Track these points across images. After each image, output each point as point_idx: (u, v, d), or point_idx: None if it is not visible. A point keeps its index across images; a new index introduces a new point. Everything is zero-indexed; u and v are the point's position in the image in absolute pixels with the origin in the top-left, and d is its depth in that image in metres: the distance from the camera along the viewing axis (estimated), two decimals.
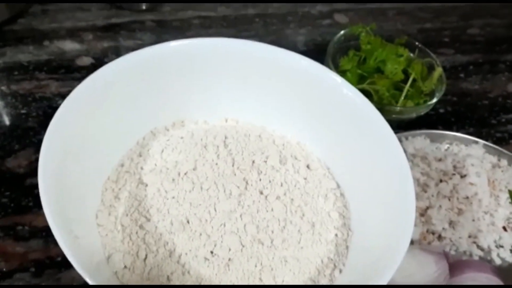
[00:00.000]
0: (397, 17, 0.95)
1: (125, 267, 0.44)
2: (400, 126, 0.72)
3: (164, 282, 0.43)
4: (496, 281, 0.54)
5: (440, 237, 0.61)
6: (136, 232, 0.46)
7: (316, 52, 0.81)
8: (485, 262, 0.59)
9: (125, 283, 0.43)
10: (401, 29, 0.92)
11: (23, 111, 0.66)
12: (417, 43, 0.75)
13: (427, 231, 0.61)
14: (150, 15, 0.83)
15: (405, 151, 0.66)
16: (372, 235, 0.46)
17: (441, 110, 0.79)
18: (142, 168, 0.50)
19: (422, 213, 0.62)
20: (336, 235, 0.49)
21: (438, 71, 0.71)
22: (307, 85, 0.54)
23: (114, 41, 0.77)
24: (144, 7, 0.84)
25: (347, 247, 0.49)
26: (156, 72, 0.52)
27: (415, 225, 0.60)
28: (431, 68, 0.73)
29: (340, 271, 0.47)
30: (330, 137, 0.55)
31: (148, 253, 0.45)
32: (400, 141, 0.68)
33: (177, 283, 0.43)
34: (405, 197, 0.44)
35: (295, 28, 0.87)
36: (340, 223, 0.50)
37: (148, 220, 0.46)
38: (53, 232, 0.36)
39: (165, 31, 0.81)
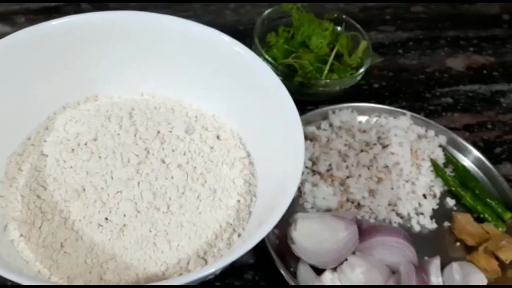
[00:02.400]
0: None
1: (21, 235, 0.45)
2: (331, 99, 0.72)
3: (58, 248, 0.44)
4: (406, 245, 0.55)
5: (359, 205, 0.62)
6: (34, 202, 0.46)
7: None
8: (398, 228, 0.60)
9: (20, 251, 0.44)
10: (342, 8, 0.92)
11: None
12: (344, 16, 0.75)
13: (347, 200, 0.62)
14: None
15: (331, 124, 0.67)
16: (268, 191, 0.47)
17: (376, 85, 0.80)
18: (45, 141, 0.50)
19: (342, 182, 0.62)
20: (238, 201, 0.50)
21: (364, 44, 0.71)
22: (220, 60, 0.55)
23: None
24: None
25: (249, 213, 0.50)
26: (65, 46, 0.52)
27: (334, 194, 0.61)
28: (358, 42, 0.73)
29: (239, 235, 0.47)
30: (243, 109, 0.55)
31: (44, 221, 0.45)
32: (327, 114, 0.69)
33: (71, 249, 0.44)
34: (295, 158, 0.44)
35: (234, 8, 0.88)
36: (244, 189, 0.51)
37: (45, 189, 0.46)
38: None
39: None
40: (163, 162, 0.50)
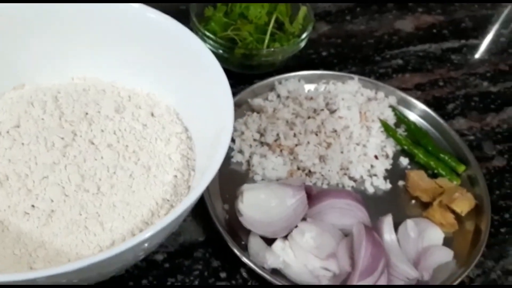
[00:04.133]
0: None
1: None
2: (279, 70, 0.71)
3: None
4: (357, 206, 0.54)
5: (310, 173, 0.60)
6: None
7: None
8: (347, 190, 0.59)
9: None
10: None
11: None
12: None
13: (298, 168, 0.60)
14: None
15: (278, 95, 0.65)
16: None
17: (324, 53, 0.78)
18: None
19: (291, 151, 0.61)
20: (175, 176, 0.48)
21: (303, 10, 0.70)
22: (150, 37, 0.52)
23: None
24: None
25: (188, 187, 0.48)
26: None
27: (284, 164, 0.59)
28: (299, 9, 0.71)
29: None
30: (178, 85, 0.53)
31: None
32: (274, 85, 0.67)
33: None
34: (225, 119, 0.43)
35: None
36: (182, 164, 0.49)
37: None
38: None
39: None
40: (92, 143, 0.48)
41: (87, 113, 0.50)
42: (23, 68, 0.54)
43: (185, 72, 0.52)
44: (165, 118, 0.52)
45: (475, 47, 0.83)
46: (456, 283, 0.51)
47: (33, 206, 0.43)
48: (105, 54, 0.55)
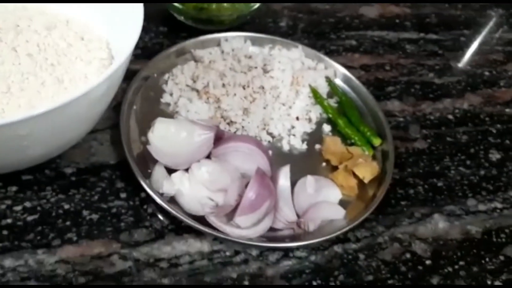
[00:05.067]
0: None
1: None
2: (232, 30, 0.74)
3: None
4: (259, 153, 0.57)
5: (231, 122, 0.63)
6: None
7: None
8: (253, 137, 0.62)
9: None
10: None
11: None
12: None
13: (221, 116, 0.63)
14: None
15: (222, 51, 0.69)
16: None
17: (282, 24, 0.81)
18: None
19: (216, 100, 0.64)
20: None
21: None
22: None
23: None
24: None
25: None
26: None
27: (208, 110, 0.63)
28: None
29: None
30: (115, 20, 0.57)
31: None
32: (219, 42, 0.71)
33: None
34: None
35: None
36: None
37: None
38: None
39: None
40: (15, 50, 0.51)
41: (18, 25, 0.54)
42: None
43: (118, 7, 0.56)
44: (93, 44, 0.56)
45: (432, 42, 0.85)
46: (336, 234, 0.54)
47: None
48: None
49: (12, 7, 0.56)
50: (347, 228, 0.54)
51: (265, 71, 0.68)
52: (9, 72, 0.50)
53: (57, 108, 0.40)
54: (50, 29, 0.55)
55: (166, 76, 0.66)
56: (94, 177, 0.56)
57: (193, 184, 0.54)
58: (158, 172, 0.56)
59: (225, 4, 0.69)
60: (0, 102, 0.48)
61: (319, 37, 0.80)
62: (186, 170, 0.55)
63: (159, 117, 0.57)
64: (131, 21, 0.51)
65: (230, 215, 0.53)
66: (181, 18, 0.72)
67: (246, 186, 0.53)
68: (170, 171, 0.56)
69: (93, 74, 0.53)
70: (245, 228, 0.52)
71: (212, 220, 0.52)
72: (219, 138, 0.58)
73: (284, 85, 0.66)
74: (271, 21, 0.81)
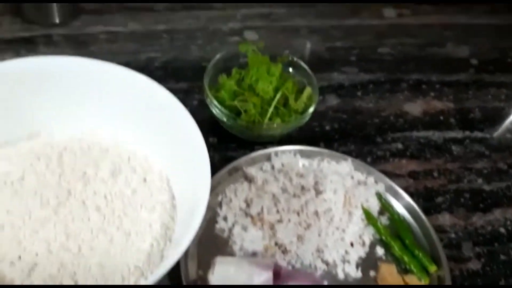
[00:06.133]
0: (309, 35, 0.98)
1: None
2: (282, 140, 0.75)
3: None
4: None
5: (285, 250, 0.64)
6: None
7: None
8: (313, 274, 0.62)
9: None
10: (309, 47, 0.95)
11: None
12: (296, 60, 0.78)
13: (275, 244, 0.64)
14: (60, 29, 0.88)
15: (272, 166, 0.70)
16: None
17: (327, 127, 0.82)
18: None
19: (271, 226, 0.64)
20: (152, 245, 0.52)
21: (307, 91, 0.74)
22: (146, 101, 0.59)
23: (15, 53, 0.81)
24: (57, 21, 0.88)
25: (162, 256, 0.52)
26: (7, 86, 0.56)
27: (263, 238, 0.63)
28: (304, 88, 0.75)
29: (146, 278, 0.50)
30: (170, 150, 0.58)
31: None
32: (270, 156, 0.71)
33: None
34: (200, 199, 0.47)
35: (201, 44, 0.91)
36: (160, 233, 0.53)
37: None
38: None
39: (69, 45, 0.85)
40: (83, 203, 0.53)
41: (85, 173, 0.55)
42: (39, 119, 0.60)
43: (177, 142, 0.57)
44: (155, 184, 0.57)
45: (479, 141, 0.84)
46: None
47: (19, 257, 0.49)
48: (114, 115, 0.60)
49: (79, 151, 0.57)
50: None
51: (318, 192, 0.68)
52: (80, 230, 0.51)
53: None
54: (116, 175, 0.56)
55: (219, 197, 0.67)
56: None
57: None
58: None
59: (275, 124, 0.70)
60: (71, 264, 0.49)
61: (365, 141, 0.81)
62: None
63: (218, 257, 0.58)
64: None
65: None
66: (232, 132, 0.73)
67: None
68: None
69: (156, 222, 0.54)
70: None
71: None
72: (277, 273, 0.58)
73: (337, 207, 0.67)
74: (317, 124, 0.82)
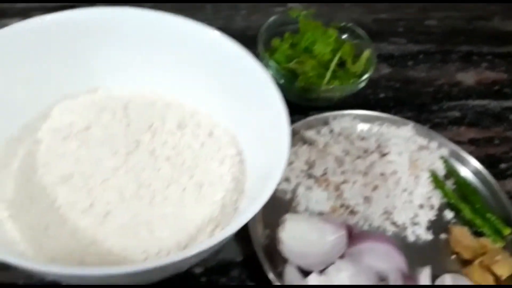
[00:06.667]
0: (353, 7, 0.95)
1: (10, 216, 0.46)
2: (336, 105, 0.72)
3: (42, 230, 0.45)
4: (397, 253, 0.54)
5: (352, 212, 0.61)
6: (24, 184, 0.47)
7: None
8: (388, 236, 0.59)
9: (7, 231, 0.45)
10: (355, 18, 0.92)
11: None
12: (350, 25, 0.75)
13: (341, 205, 0.61)
14: None
15: (331, 130, 0.67)
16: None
17: (382, 95, 0.79)
18: (41, 128, 0.52)
19: (336, 187, 0.62)
20: (224, 196, 0.50)
21: (367, 52, 0.71)
22: (220, 61, 0.56)
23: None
24: None
25: (235, 209, 0.50)
26: (64, 39, 0.54)
27: (328, 198, 0.61)
28: (363, 51, 0.73)
29: (222, 228, 0.47)
30: (238, 109, 0.56)
31: (32, 203, 0.46)
32: (328, 120, 0.69)
33: (54, 232, 0.45)
34: (280, 152, 0.44)
35: (246, 14, 0.89)
36: (232, 186, 0.51)
37: (36, 173, 0.48)
38: None
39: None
40: (152, 154, 0.50)
41: (152, 125, 0.53)
42: (98, 73, 0.57)
43: (248, 101, 0.54)
44: (222, 139, 0.55)
45: None
46: None
47: (91, 205, 0.46)
48: (176, 72, 0.58)
49: (142, 105, 0.55)
50: None
51: (382, 155, 0.65)
52: (151, 180, 0.49)
53: (217, 243, 0.38)
54: (182, 127, 0.54)
55: None
56: (224, 277, 0.54)
57: None
58: (291, 273, 0.53)
59: (333, 86, 0.68)
60: (145, 212, 0.47)
61: (421, 109, 0.78)
62: (320, 271, 0.53)
63: (288, 214, 0.56)
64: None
65: None
66: (288, 96, 0.70)
67: None
68: (301, 271, 0.53)
69: (226, 174, 0.52)
70: None
71: None
72: (348, 233, 0.55)
73: (403, 170, 0.64)
74: (371, 92, 0.79)
